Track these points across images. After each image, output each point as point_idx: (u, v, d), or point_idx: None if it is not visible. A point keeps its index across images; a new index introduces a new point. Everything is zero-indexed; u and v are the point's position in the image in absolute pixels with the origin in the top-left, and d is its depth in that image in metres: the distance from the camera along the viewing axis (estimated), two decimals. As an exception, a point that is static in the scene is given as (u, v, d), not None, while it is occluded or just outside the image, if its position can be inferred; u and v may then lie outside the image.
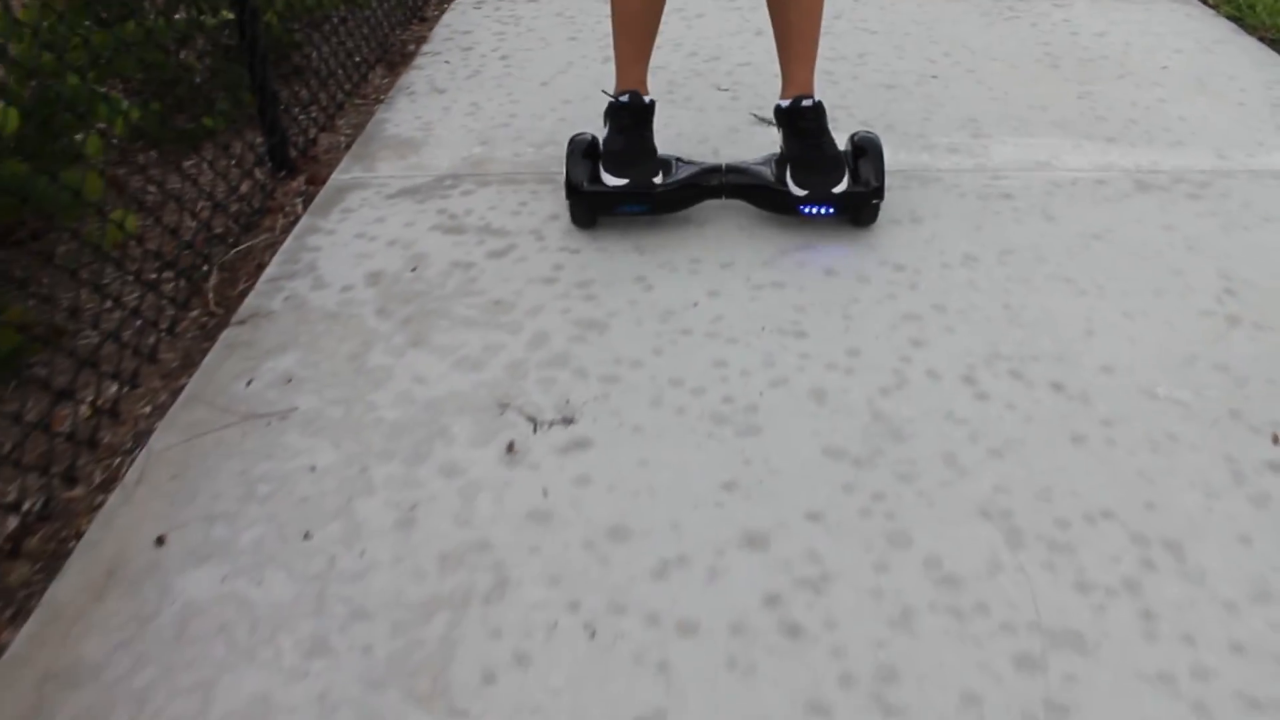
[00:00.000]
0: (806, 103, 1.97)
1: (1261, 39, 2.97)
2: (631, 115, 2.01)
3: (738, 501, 1.41)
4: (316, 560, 1.34)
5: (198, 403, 1.63)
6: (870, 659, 1.20)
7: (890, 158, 2.28)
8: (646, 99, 2.03)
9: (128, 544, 1.38)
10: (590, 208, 2.00)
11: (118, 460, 1.55)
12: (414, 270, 1.93)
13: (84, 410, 1.61)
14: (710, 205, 2.09)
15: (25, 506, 1.44)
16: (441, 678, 1.19)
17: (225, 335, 1.79)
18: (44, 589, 1.33)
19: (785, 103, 2.00)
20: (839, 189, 1.93)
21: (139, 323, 1.74)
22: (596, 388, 1.62)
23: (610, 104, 2.04)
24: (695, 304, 1.82)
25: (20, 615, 1.31)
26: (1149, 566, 1.31)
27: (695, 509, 1.40)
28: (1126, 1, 3.25)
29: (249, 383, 1.66)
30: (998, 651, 1.21)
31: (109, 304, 1.76)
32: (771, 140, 2.32)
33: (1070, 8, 3.20)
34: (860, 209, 1.98)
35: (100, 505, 1.46)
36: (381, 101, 2.67)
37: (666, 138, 2.35)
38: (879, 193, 1.95)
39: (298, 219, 2.14)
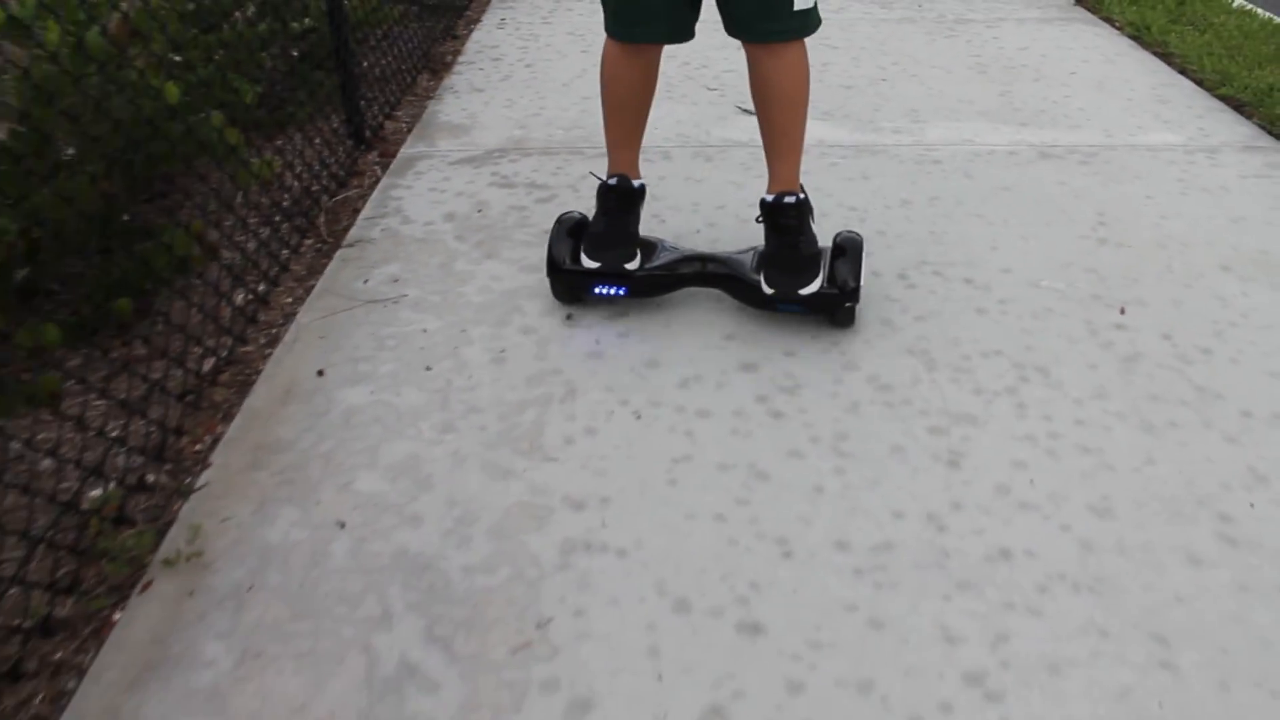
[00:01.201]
0: (789, 199, 1.95)
1: (1154, 53, 3.61)
2: (618, 199, 2.02)
3: (735, 345, 1.98)
4: (437, 381, 1.89)
5: (328, 294, 2.18)
6: (830, 429, 1.76)
7: (846, 137, 2.88)
8: (635, 184, 2.04)
9: (296, 375, 1.93)
10: (568, 285, 2.06)
11: (274, 330, 2.09)
12: (479, 211, 2.50)
13: (241, 299, 2.15)
14: (713, 161, 2.67)
15: (217, 352, 1.97)
16: (536, 441, 1.74)
17: (339, 254, 2.34)
18: (240, 403, 1.87)
19: (769, 198, 1.98)
20: (807, 291, 1.92)
21: (271, 245, 2.29)
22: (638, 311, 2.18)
23: (599, 186, 2.05)
24: (697, 231, 2.39)
25: (227, 417, 1.84)
26: (1024, 380, 1.88)
27: (705, 349, 1.96)
28: (1046, 24, 3.90)
29: (365, 281, 2.21)
30: (916, 425, 1.77)
31: (249, 230, 2.31)
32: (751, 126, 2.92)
33: (999, 28, 3.84)
34: (834, 310, 1.97)
35: (269, 355, 2.00)
36: (431, 98, 3.25)
37: (667, 125, 2.94)
38: (854, 295, 1.93)
39: (379, 179, 2.70)
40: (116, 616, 1.46)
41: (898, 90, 3.22)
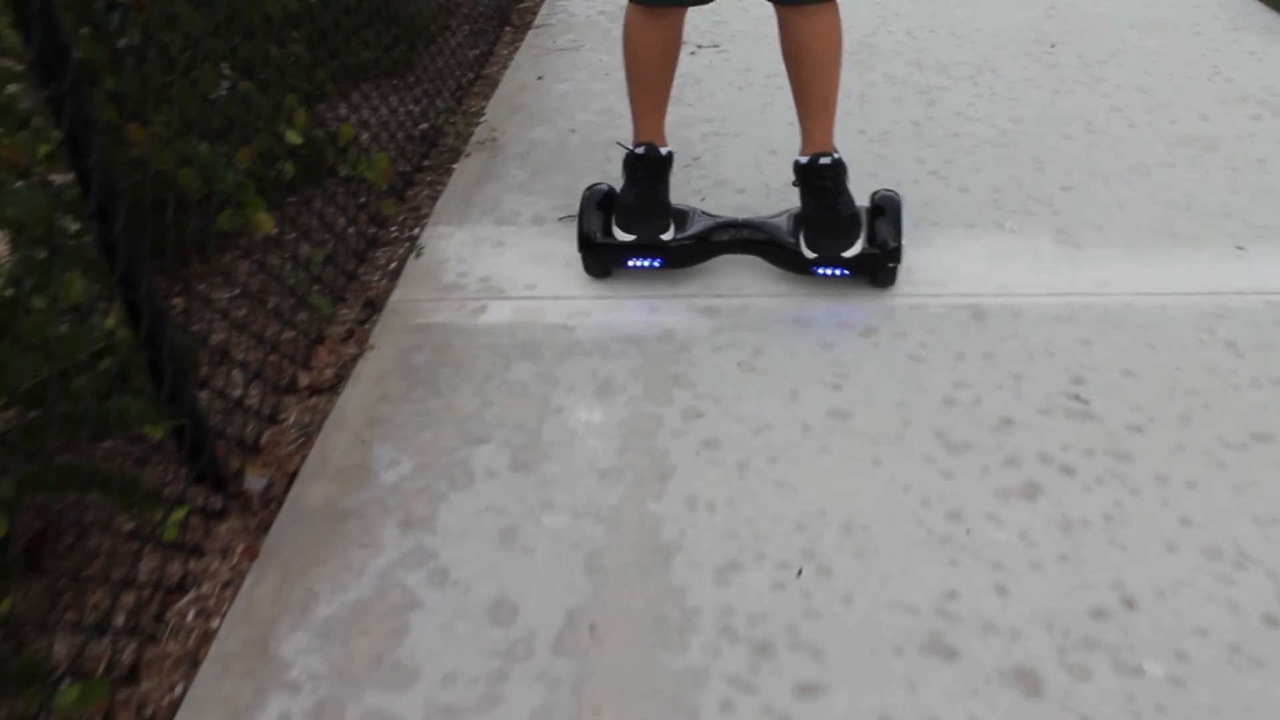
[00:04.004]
0: (824, 160, 1.93)
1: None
2: (646, 168, 2.00)
3: (799, 60, 3.13)
4: (613, 81, 3.06)
5: (531, 47, 3.36)
6: (856, 92, 2.91)
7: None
8: (663, 151, 2.02)
9: (524, 80, 3.11)
10: (602, 260, 2.03)
11: (501, 63, 3.28)
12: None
13: (475, 53, 3.34)
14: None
15: (472, 70, 3.17)
16: (680, 98, 2.90)
17: (530, 33, 3.52)
18: (492, 93, 3.05)
19: (804, 159, 1.95)
20: (850, 253, 1.90)
21: (485, 28, 3.48)
22: (727, 38, 3.34)
23: (626, 155, 2.03)
24: (772, 15, 3.54)
25: (486, 97, 3.03)
26: (979, 73, 3.00)
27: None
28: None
29: (554, 41, 3.40)
30: (909, 91, 2.90)
31: (468, 20, 3.50)
32: None
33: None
34: (875, 271, 1.96)
35: (503, 74, 3.19)
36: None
37: None
38: (895, 255, 1.91)
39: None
40: (455, 166, 2.66)
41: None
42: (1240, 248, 2.16)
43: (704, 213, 2.06)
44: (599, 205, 2.02)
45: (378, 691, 1.36)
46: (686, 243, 1.99)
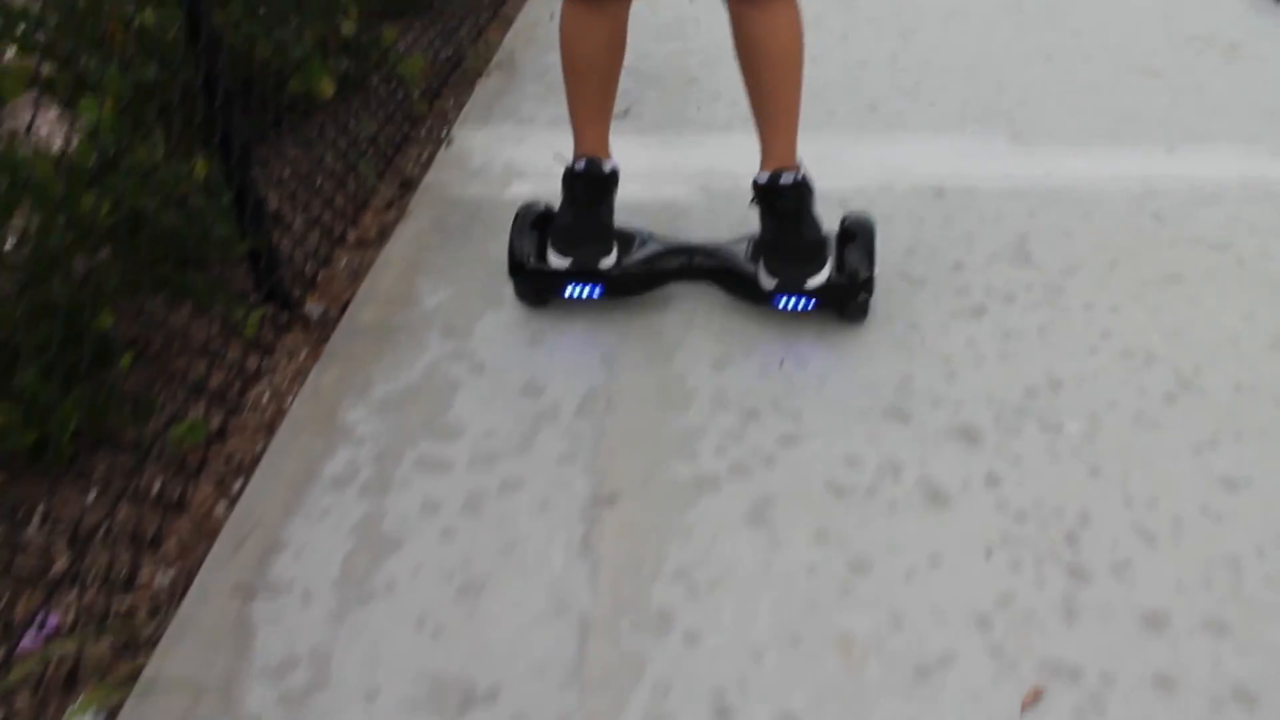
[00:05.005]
0: (786, 179, 1.73)
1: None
2: (586, 186, 1.79)
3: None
4: (619, 18, 3.37)
5: (534, 6, 3.67)
6: (838, 26, 3.22)
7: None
8: (607, 167, 1.80)
9: (536, 18, 3.40)
10: (534, 288, 1.85)
11: (515, 5, 3.58)
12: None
13: (484, 16, 3.64)
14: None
15: (490, 10, 3.46)
16: (678, 31, 3.20)
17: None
18: (508, 28, 3.36)
19: (763, 177, 1.76)
20: (814, 282, 1.71)
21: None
22: None
23: (565, 172, 1.81)
24: None
25: (504, 31, 3.33)
26: (952, 15, 3.32)
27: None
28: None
29: None
30: (890, 29, 3.22)
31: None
32: None
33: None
34: (844, 303, 1.77)
35: (518, 13, 3.48)
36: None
37: None
38: (867, 285, 1.72)
39: (555, -40, 4.18)
40: (477, 83, 2.95)
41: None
42: (1172, 150, 2.46)
43: (653, 235, 1.89)
44: (534, 225, 1.83)
45: (430, 442, 1.63)
46: (631, 270, 1.81)
